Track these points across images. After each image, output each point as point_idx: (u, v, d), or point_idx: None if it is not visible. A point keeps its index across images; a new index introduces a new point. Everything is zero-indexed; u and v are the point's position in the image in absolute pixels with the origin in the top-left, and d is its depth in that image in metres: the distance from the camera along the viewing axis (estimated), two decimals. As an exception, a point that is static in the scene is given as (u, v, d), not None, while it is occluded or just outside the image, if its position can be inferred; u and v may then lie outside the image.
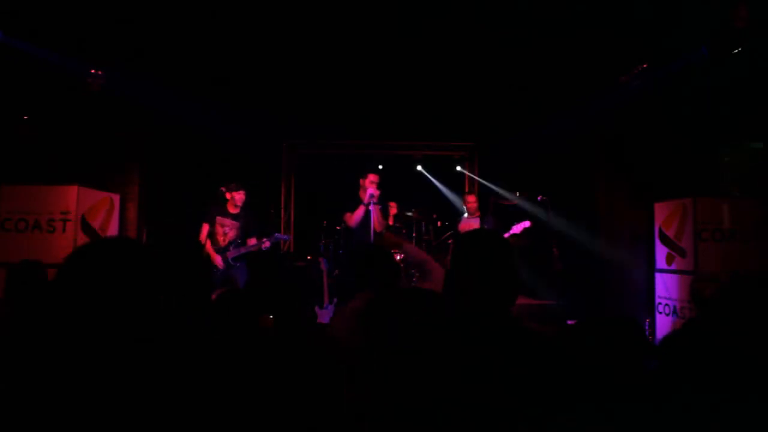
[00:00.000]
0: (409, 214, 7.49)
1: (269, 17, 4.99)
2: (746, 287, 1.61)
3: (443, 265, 6.33)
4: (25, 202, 5.40)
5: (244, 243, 5.39)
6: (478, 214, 5.91)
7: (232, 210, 5.44)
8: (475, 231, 1.83)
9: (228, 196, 5.41)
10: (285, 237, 5.85)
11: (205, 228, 5.38)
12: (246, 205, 5.52)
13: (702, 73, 5.10)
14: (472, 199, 5.97)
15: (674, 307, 5.43)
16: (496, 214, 5.97)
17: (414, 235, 7.56)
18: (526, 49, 5.44)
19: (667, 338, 1.64)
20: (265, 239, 5.35)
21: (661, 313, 5.65)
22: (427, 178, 8.62)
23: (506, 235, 5.50)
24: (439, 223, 7.95)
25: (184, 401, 1.10)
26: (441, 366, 1.34)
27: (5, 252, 5.09)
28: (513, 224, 5.89)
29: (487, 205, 6.28)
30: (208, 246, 5.30)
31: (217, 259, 5.29)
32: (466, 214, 5.98)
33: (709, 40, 4.74)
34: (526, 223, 5.57)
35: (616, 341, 1.51)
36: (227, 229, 5.39)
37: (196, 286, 1.71)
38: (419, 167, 8.63)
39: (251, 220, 5.53)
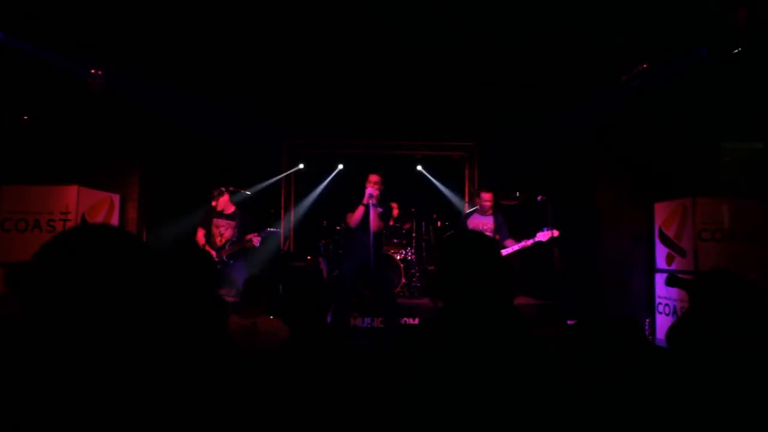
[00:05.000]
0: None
1: (270, 18, 4.99)
2: (743, 284, 1.61)
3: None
4: (25, 202, 5.40)
5: (240, 241, 5.42)
6: (491, 212, 5.80)
7: (227, 211, 5.49)
8: (462, 231, 1.82)
9: (213, 203, 5.48)
10: (274, 231, 5.83)
11: (201, 231, 5.47)
12: (241, 205, 5.57)
13: (702, 73, 5.10)
14: (487, 196, 5.64)
15: (674, 307, 5.44)
16: (501, 214, 5.90)
17: (414, 235, 7.57)
18: (527, 49, 5.44)
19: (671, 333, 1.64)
20: (253, 235, 5.32)
21: (661, 313, 5.66)
22: (427, 178, 8.62)
23: (530, 242, 5.36)
24: (439, 223, 7.95)
25: (183, 405, 1.09)
26: (440, 366, 1.34)
27: (5, 252, 5.09)
28: (517, 227, 5.79)
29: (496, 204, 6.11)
30: (207, 248, 5.34)
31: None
32: (475, 212, 5.87)
33: (709, 40, 4.74)
34: (554, 232, 5.25)
35: (616, 341, 1.51)
36: (222, 230, 5.45)
37: (200, 285, 1.70)
38: (419, 167, 8.64)
39: (247, 219, 5.56)
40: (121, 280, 1.02)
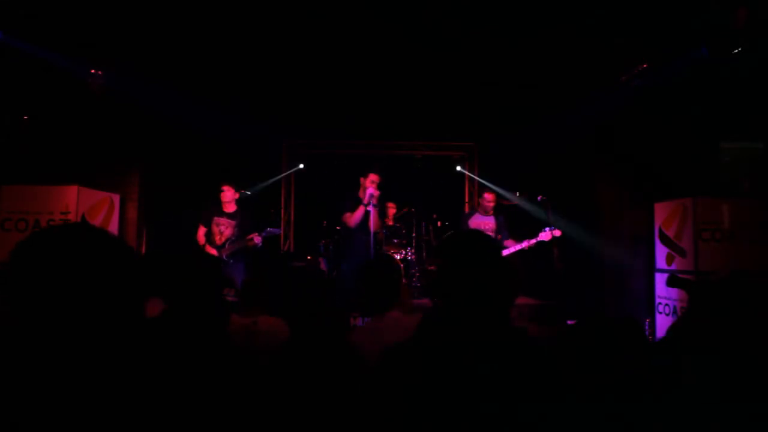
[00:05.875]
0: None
1: (270, 18, 4.99)
2: (744, 285, 1.61)
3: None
4: (25, 202, 5.40)
5: (241, 240, 5.43)
6: (492, 212, 5.84)
7: (228, 209, 5.49)
8: (465, 232, 1.82)
9: (221, 196, 5.50)
10: (276, 230, 5.85)
11: (202, 230, 5.48)
12: (242, 204, 5.57)
13: (702, 73, 5.10)
14: (490, 197, 5.74)
15: (674, 307, 5.43)
16: (502, 214, 5.92)
17: (414, 235, 7.56)
18: (527, 49, 5.44)
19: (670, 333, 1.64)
20: (254, 235, 5.34)
21: (661, 313, 5.66)
22: (427, 178, 8.62)
23: (532, 242, 5.36)
24: (439, 223, 7.94)
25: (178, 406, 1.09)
26: (439, 366, 1.34)
27: (5, 252, 5.08)
28: (517, 227, 5.80)
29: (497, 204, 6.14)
30: (207, 247, 5.35)
31: None
32: (476, 212, 5.89)
33: (709, 40, 4.74)
34: (556, 232, 5.26)
35: (616, 341, 1.51)
36: (222, 228, 5.46)
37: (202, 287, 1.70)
38: (419, 167, 8.63)
39: (248, 218, 5.56)
40: (103, 279, 1.02)
